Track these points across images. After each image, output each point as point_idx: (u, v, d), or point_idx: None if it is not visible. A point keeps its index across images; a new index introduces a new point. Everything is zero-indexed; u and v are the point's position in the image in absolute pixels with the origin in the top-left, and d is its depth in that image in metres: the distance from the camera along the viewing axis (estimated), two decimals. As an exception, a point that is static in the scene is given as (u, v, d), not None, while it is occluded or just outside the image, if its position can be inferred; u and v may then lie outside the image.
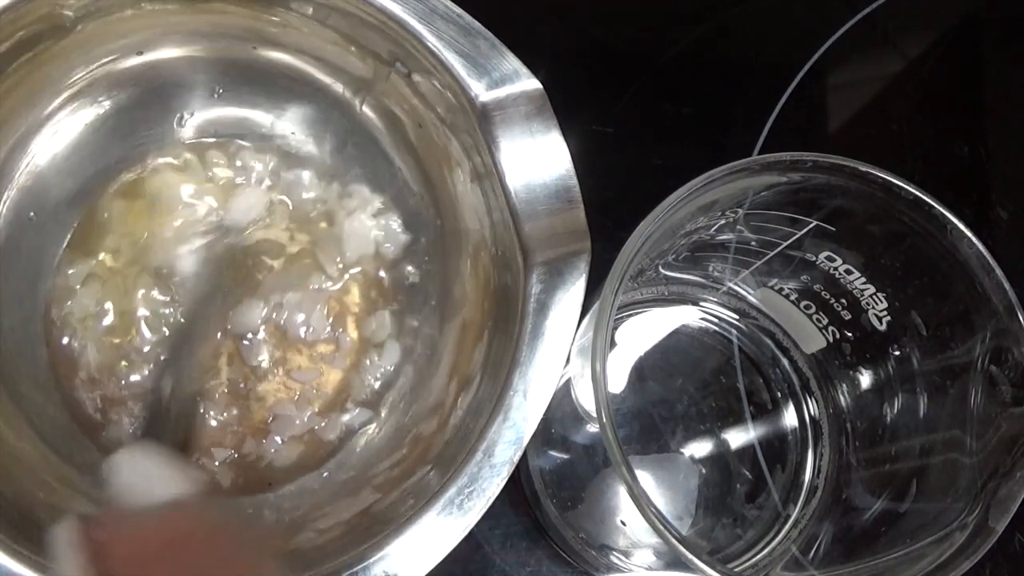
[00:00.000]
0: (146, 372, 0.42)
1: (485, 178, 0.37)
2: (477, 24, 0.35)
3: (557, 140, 0.35)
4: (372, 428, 0.43)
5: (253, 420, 0.42)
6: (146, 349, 0.42)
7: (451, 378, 0.41)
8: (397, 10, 0.35)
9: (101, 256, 0.43)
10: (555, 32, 0.54)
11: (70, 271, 0.43)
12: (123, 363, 0.42)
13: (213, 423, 0.42)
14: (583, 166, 0.51)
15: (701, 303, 0.45)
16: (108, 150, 0.44)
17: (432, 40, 0.35)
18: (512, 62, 0.35)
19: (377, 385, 0.44)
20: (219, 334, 0.43)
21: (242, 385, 0.43)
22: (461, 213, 0.41)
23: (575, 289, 0.34)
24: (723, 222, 0.37)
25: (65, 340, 0.42)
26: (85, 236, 0.43)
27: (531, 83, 0.35)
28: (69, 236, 0.43)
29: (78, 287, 0.43)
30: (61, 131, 0.42)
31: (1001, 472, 0.32)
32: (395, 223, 0.45)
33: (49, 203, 0.43)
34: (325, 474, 0.42)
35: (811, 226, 0.37)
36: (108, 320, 0.43)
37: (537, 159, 0.35)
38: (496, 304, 0.38)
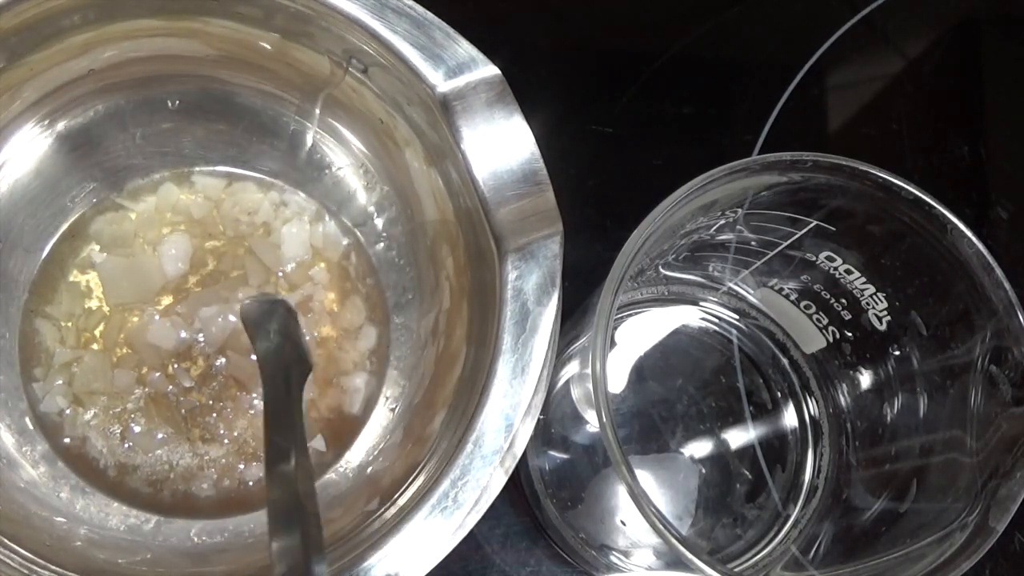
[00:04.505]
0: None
1: (450, 168, 0.37)
2: (430, 14, 0.35)
3: (520, 124, 0.34)
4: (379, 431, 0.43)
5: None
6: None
7: (434, 372, 0.41)
8: (346, 6, 0.35)
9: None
10: (555, 32, 0.54)
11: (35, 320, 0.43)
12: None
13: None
14: (583, 166, 0.51)
15: (701, 303, 0.45)
16: (70, 174, 0.44)
17: (385, 34, 0.35)
18: (468, 50, 0.35)
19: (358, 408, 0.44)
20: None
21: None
22: (428, 205, 0.41)
23: (552, 273, 0.34)
24: (723, 222, 0.37)
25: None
26: (46, 274, 0.43)
27: (489, 69, 0.35)
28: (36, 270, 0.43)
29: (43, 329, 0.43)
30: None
31: (1001, 472, 0.32)
32: (331, 226, 0.45)
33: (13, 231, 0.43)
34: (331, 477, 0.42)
35: (811, 226, 0.37)
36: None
37: (502, 145, 0.34)
38: (473, 295, 0.38)
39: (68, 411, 0.42)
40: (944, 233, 0.34)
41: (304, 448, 0.32)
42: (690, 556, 0.30)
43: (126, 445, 0.42)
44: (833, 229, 0.37)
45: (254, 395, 0.43)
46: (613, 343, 0.44)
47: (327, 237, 0.45)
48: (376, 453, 0.42)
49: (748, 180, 0.34)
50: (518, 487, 0.44)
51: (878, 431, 0.40)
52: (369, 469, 0.42)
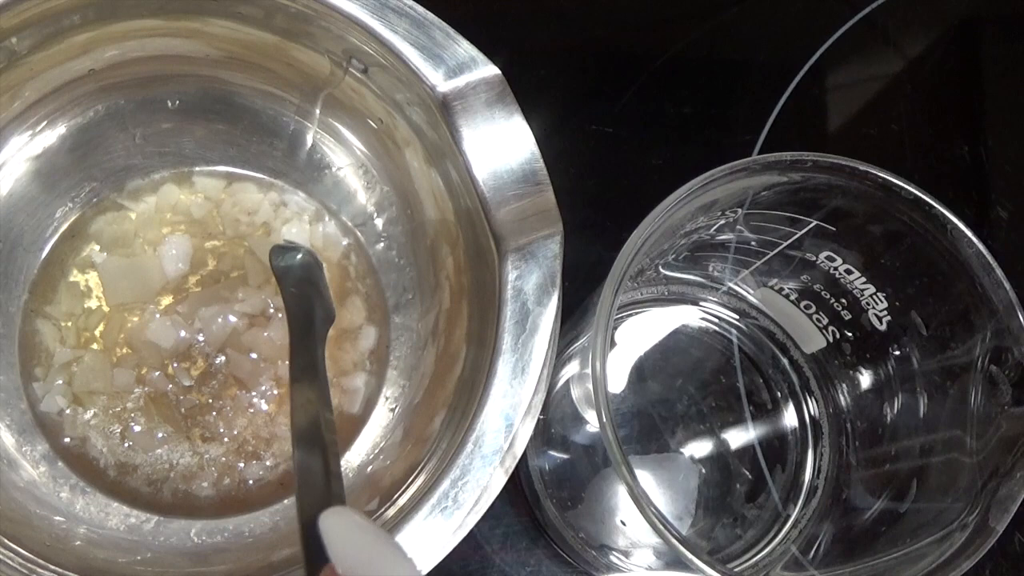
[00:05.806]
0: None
1: (450, 168, 0.37)
2: (430, 14, 0.35)
3: (520, 124, 0.34)
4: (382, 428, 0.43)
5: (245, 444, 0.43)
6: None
7: (434, 372, 0.41)
8: (346, 6, 0.35)
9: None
10: (555, 32, 0.54)
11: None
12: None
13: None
14: (583, 166, 0.51)
15: (701, 303, 0.45)
16: (70, 174, 0.44)
17: (385, 34, 0.35)
18: (469, 50, 0.35)
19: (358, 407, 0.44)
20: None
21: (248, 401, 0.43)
22: (428, 205, 0.41)
23: (552, 273, 0.34)
24: (723, 222, 0.37)
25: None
26: (46, 272, 0.43)
27: (489, 69, 0.35)
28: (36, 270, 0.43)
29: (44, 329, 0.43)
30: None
31: (1001, 472, 0.32)
32: (331, 227, 0.45)
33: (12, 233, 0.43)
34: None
35: (811, 226, 0.37)
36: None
37: (502, 145, 0.34)
38: (473, 295, 0.38)
39: (68, 411, 0.42)
40: (944, 233, 0.34)
41: (326, 395, 0.32)
42: (690, 556, 0.30)
43: (126, 444, 0.42)
44: (833, 229, 0.37)
45: (254, 394, 0.43)
46: (613, 343, 0.44)
47: (327, 237, 0.45)
48: (376, 453, 0.42)
49: (748, 180, 0.34)
50: (518, 487, 0.44)
51: (878, 431, 0.40)
52: (369, 469, 0.42)
